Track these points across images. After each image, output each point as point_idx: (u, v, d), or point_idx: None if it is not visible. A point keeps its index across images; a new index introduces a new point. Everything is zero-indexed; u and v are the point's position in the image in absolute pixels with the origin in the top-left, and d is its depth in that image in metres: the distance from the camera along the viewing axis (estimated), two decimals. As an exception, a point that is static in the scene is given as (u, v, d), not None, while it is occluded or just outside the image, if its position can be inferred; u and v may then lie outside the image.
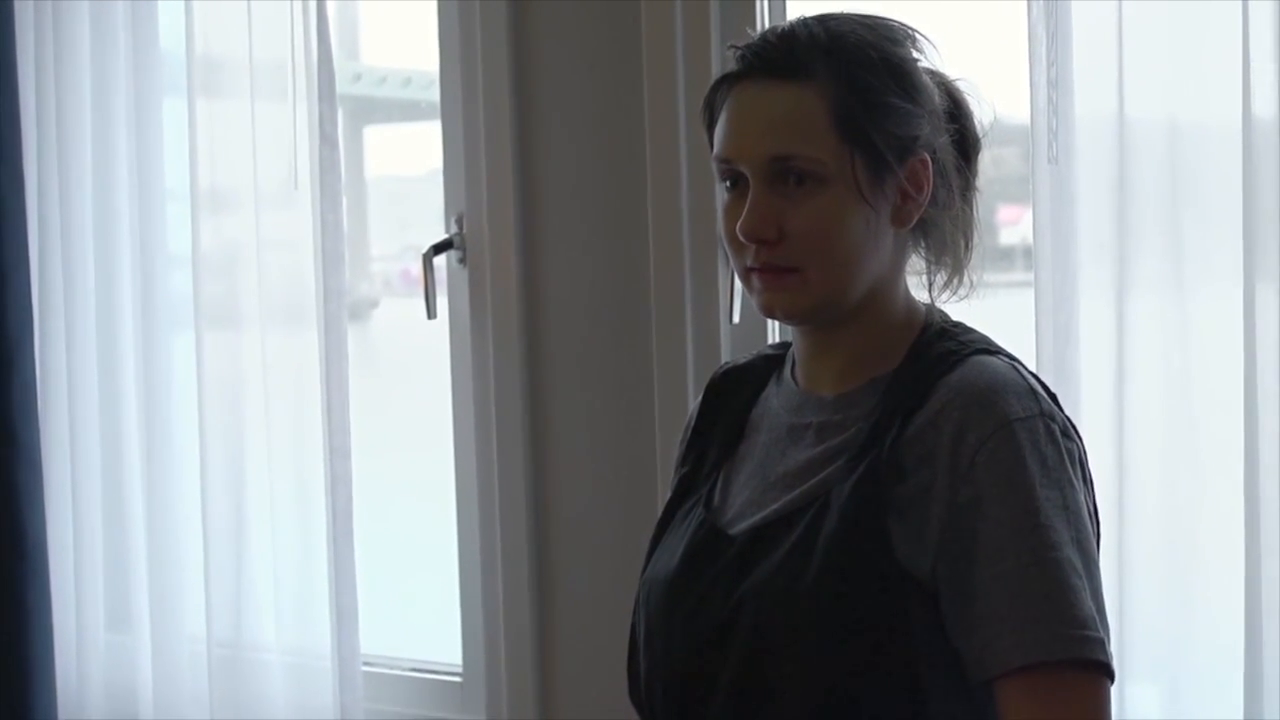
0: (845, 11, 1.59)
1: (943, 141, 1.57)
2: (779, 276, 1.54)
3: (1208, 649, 2.12)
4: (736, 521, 1.60)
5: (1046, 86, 2.11)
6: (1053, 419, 1.50)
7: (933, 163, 1.56)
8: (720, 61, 2.42)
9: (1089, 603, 1.44)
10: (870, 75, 1.53)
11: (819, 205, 1.52)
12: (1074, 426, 1.55)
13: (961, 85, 1.63)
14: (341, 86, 2.66)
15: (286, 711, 2.73)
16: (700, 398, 1.77)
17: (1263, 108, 2.00)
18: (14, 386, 2.82)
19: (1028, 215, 2.19)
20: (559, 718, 2.63)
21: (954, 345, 1.56)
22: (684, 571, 1.60)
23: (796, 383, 1.64)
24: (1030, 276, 2.18)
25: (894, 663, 1.47)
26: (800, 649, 1.48)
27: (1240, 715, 2.06)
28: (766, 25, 2.45)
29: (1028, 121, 2.13)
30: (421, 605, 3.12)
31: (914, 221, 1.57)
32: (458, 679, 2.76)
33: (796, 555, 1.50)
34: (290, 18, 2.64)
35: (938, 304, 1.65)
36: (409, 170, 2.96)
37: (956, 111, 1.61)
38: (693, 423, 1.75)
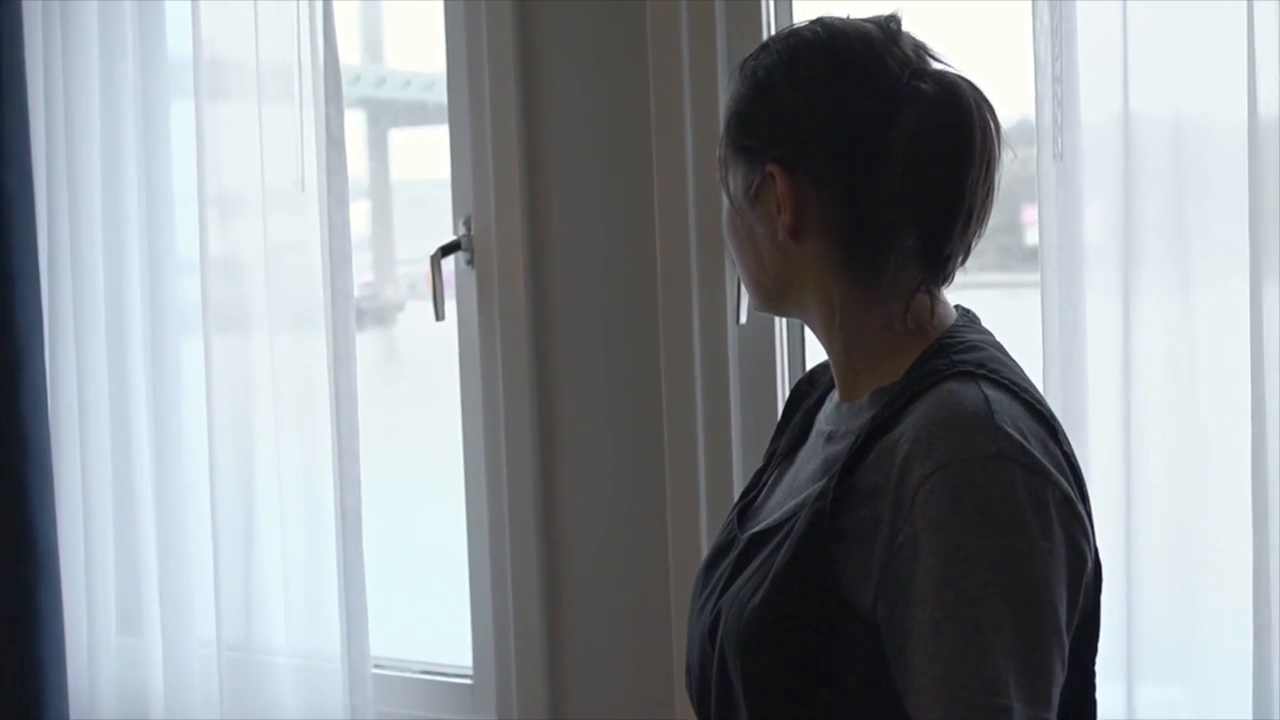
0: (821, 17, 1.54)
1: (829, 155, 1.48)
2: None
3: (1216, 649, 2.11)
4: (757, 525, 1.59)
5: (1051, 83, 2.10)
6: (1014, 459, 1.37)
7: (790, 177, 1.49)
8: (726, 62, 2.42)
9: (1001, 665, 1.33)
10: (747, 84, 1.53)
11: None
12: (1066, 464, 1.43)
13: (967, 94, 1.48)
14: (365, 90, 2.65)
15: (296, 714, 2.74)
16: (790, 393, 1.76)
17: (1268, 105, 2.00)
18: (24, 391, 2.83)
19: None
20: (569, 719, 2.63)
21: (944, 364, 1.46)
22: (704, 569, 1.62)
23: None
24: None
25: (833, 693, 1.43)
26: (746, 667, 1.47)
27: (1249, 715, 2.06)
28: (772, 27, 2.45)
29: (1032, 118, 2.13)
30: (431, 607, 3.11)
31: (787, 235, 1.50)
32: (468, 681, 2.76)
33: (760, 571, 1.49)
34: (297, 20, 2.65)
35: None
36: (433, 173, 2.95)
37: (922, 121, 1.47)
38: (778, 420, 1.75)
